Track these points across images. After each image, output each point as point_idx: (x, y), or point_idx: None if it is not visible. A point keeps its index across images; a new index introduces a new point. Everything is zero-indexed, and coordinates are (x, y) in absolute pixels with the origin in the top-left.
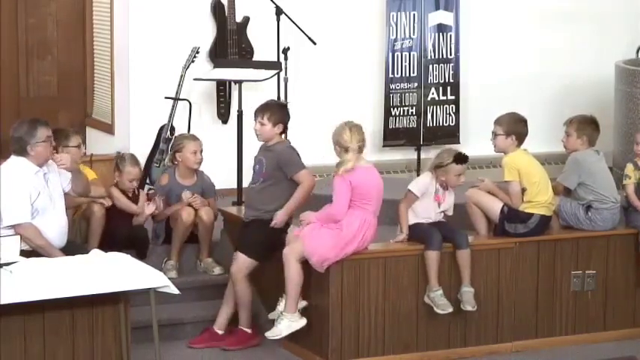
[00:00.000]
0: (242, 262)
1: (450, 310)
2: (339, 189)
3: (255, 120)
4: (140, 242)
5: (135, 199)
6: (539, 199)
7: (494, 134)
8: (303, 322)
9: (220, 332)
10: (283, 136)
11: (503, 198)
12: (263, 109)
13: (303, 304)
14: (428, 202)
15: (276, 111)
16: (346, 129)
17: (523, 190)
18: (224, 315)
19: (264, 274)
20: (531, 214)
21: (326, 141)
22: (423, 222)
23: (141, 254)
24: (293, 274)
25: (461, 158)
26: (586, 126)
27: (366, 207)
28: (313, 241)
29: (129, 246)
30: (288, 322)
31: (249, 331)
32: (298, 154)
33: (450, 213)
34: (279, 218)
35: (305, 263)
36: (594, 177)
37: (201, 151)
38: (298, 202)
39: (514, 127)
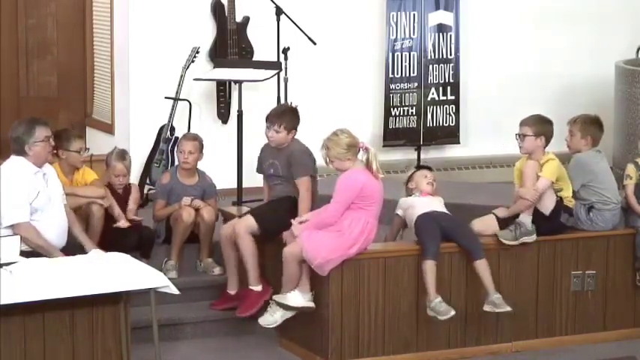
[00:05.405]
0: (247, 222)
1: (453, 313)
2: (345, 193)
3: (269, 127)
4: (146, 243)
5: (125, 196)
6: (571, 197)
7: (522, 136)
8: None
9: (232, 292)
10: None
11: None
12: (279, 118)
13: (310, 304)
14: (421, 202)
15: (292, 118)
16: (349, 133)
17: (557, 192)
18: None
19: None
20: (571, 208)
21: None
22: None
23: (145, 255)
24: (293, 271)
25: (423, 166)
26: (590, 126)
27: (369, 209)
28: (314, 245)
29: (136, 247)
30: (299, 296)
31: (259, 289)
32: (311, 157)
33: None
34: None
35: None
36: (597, 178)
37: (197, 151)
38: (306, 208)
39: (543, 128)
